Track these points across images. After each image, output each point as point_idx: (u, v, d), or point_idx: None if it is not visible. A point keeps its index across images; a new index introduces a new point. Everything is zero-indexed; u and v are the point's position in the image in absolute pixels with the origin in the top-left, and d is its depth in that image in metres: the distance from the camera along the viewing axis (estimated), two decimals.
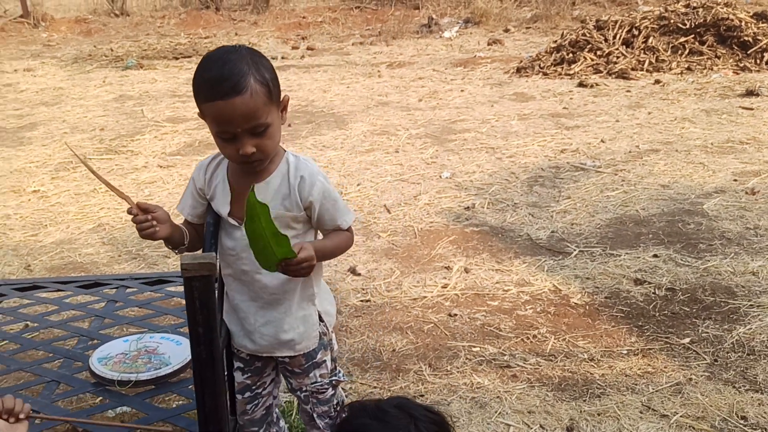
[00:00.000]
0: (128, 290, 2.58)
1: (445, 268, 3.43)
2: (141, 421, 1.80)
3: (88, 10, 14.48)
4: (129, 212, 1.48)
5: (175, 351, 2.06)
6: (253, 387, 1.74)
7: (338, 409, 1.79)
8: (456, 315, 2.99)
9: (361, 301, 3.16)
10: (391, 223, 4.03)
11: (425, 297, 3.17)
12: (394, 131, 5.91)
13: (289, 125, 6.28)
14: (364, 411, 1.44)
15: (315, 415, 1.76)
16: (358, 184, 4.67)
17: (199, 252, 1.54)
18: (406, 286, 3.27)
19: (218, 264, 1.64)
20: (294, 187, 1.57)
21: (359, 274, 3.40)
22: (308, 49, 10.77)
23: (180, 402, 2.18)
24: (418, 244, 3.74)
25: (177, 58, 10.45)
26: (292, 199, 1.58)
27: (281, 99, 1.57)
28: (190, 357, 1.76)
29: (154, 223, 1.50)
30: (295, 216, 1.59)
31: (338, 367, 1.81)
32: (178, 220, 1.70)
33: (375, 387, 2.53)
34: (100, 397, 1.97)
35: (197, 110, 1.57)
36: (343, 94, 7.50)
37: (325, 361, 1.73)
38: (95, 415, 1.96)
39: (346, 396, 2.46)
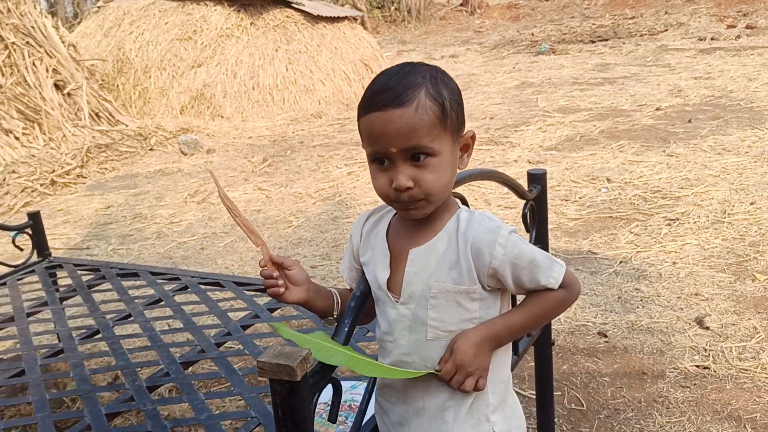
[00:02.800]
0: None
1: None
2: None
3: None
4: (260, 263, 1.22)
5: None
6: None
7: None
8: None
9: (697, 366, 2.44)
10: None
11: None
12: None
13: (689, 121, 5.40)
14: None
15: None
16: (751, 203, 3.72)
17: (290, 347, 1.04)
18: (767, 358, 2.43)
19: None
20: (464, 251, 1.13)
21: (707, 328, 2.65)
22: (747, 27, 9.25)
23: None
24: None
25: (593, 42, 10.00)
26: (462, 268, 1.12)
27: (461, 132, 1.15)
28: None
29: (280, 282, 1.20)
30: (466, 290, 1.14)
31: None
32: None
33: None
34: None
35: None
36: None
37: None
38: None
39: None
